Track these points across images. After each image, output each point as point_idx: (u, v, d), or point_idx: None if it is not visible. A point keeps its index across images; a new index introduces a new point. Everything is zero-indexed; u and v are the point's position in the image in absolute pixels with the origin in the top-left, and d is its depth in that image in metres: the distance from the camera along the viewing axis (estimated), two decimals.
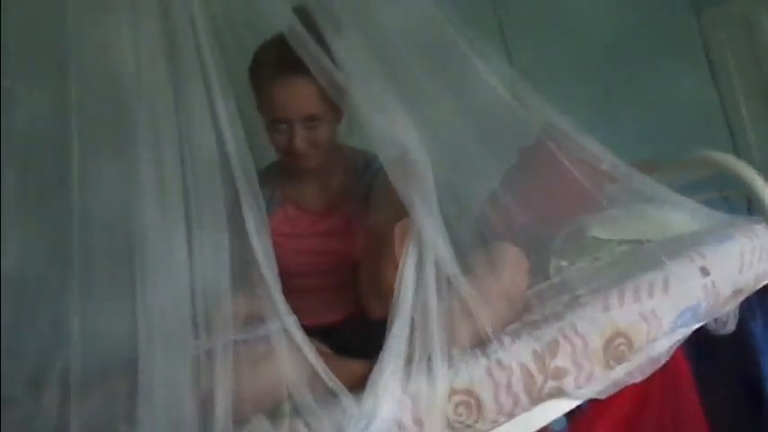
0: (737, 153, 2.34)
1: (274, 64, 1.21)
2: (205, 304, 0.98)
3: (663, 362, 1.14)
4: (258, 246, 1.05)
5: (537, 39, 2.21)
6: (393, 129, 1.08)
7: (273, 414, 0.99)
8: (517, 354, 1.04)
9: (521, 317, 1.14)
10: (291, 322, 1.05)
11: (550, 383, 1.04)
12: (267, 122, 1.26)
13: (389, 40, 1.17)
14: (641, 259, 1.23)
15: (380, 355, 1.01)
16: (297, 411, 0.98)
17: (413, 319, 1.04)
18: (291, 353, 1.02)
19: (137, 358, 0.93)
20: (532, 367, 1.04)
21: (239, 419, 0.97)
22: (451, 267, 1.06)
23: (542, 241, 1.41)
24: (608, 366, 1.08)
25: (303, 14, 1.12)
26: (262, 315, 1.05)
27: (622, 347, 1.08)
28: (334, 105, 1.23)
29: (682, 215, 1.35)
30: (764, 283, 1.29)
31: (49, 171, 1.07)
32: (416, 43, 1.19)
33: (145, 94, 1.01)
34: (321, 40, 1.11)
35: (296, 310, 1.07)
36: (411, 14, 1.21)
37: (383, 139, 1.09)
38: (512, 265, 1.15)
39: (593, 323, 1.09)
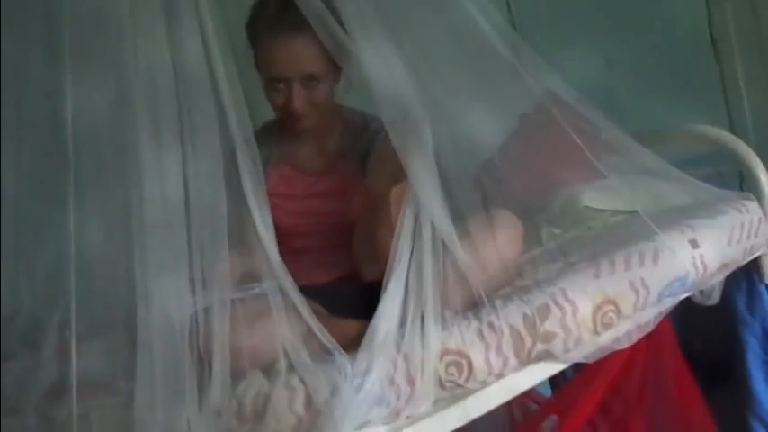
0: (732, 127, 2.35)
1: (274, 20, 1.20)
2: (202, 262, 0.99)
3: (650, 330, 1.16)
4: (254, 205, 1.05)
5: (543, 6, 2.19)
6: (396, 89, 1.07)
7: (269, 370, 1.01)
8: (508, 316, 1.06)
9: (513, 281, 1.16)
10: (287, 282, 1.06)
11: (539, 346, 1.07)
12: (265, 80, 1.25)
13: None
14: (633, 230, 1.24)
15: (375, 316, 1.03)
16: (292, 368, 1.00)
17: (407, 281, 1.05)
18: (287, 311, 1.03)
19: (134, 312, 0.94)
20: (522, 330, 1.06)
21: (236, 374, 0.98)
22: (447, 231, 1.07)
23: (537, 208, 1.43)
24: (596, 332, 1.10)
25: None
26: (258, 274, 1.06)
27: (611, 314, 1.11)
28: (334, 65, 1.22)
29: (675, 188, 1.37)
30: (752, 257, 1.31)
31: (40, 97, 1.06)
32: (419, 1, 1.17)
33: (141, 48, 0.99)
34: None
35: (291, 270, 1.08)
36: None
37: (386, 100, 1.08)
38: (507, 230, 1.17)
39: (583, 289, 1.11)
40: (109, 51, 1.00)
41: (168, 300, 0.96)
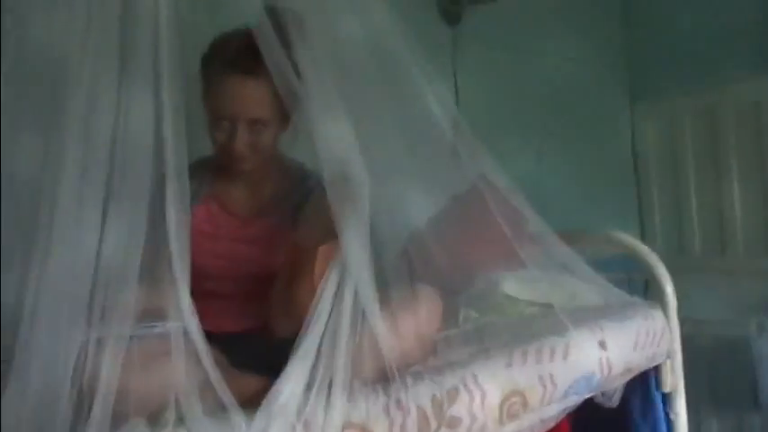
0: (643, 234, 2.51)
1: (231, 59, 1.18)
2: (106, 290, 0.92)
3: (551, 425, 1.17)
4: (175, 239, 1.00)
5: (486, 89, 2.29)
6: (341, 148, 1.07)
7: (155, 420, 0.93)
8: (417, 396, 1.04)
9: (427, 359, 1.15)
10: (193, 325, 0.99)
11: (443, 430, 1.05)
12: (211, 116, 1.22)
13: (347, 53, 1.16)
14: (548, 323, 1.27)
15: (281, 376, 0.98)
16: (181, 421, 0.93)
17: (320, 344, 1.02)
18: (187, 357, 0.96)
19: (17, 331, 0.85)
20: (429, 411, 1.04)
21: (118, 418, 0.90)
22: (370, 299, 1.05)
23: (455, 289, 1.44)
24: (501, 422, 1.10)
25: (274, 14, 1.10)
26: (163, 312, 0.99)
27: (517, 406, 1.11)
28: (283, 112, 1.21)
29: (590, 288, 1.42)
30: (653, 364, 1.37)
31: None
32: (372, 61, 1.19)
33: (88, 64, 0.95)
34: (286, 44, 1.09)
35: (199, 313, 1.02)
36: (370, 31, 1.20)
37: (329, 156, 1.07)
38: (428, 306, 1.16)
39: (494, 377, 1.11)
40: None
41: (59, 322, 0.88)
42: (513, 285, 1.46)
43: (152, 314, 0.98)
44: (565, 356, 1.18)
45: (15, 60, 0.93)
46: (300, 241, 1.16)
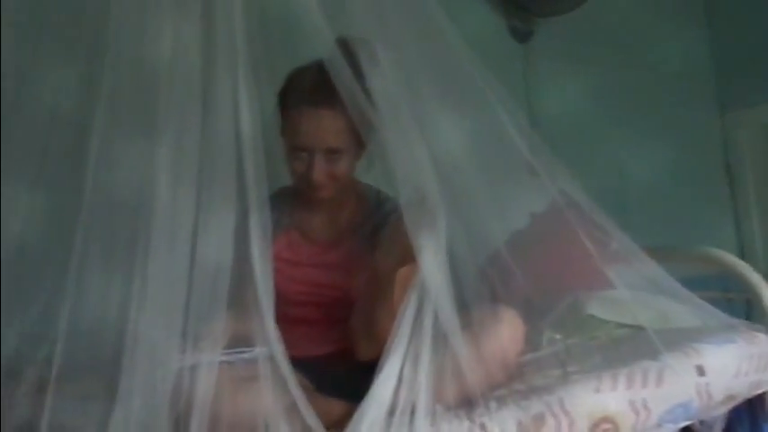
0: (742, 251, 2.35)
1: (307, 91, 1.22)
2: (197, 319, 0.96)
3: None
4: (259, 269, 1.03)
5: (561, 103, 2.23)
6: (415, 170, 1.08)
7: None
8: (502, 421, 1.02)
9: (511, 383, 1.12)
10: (279, 351, 1.02)
11: None
12: (288, 147, 1.26)
13: (419, 78, 1.17)
14: (638, 346, 1.21)
15: (364, 401, 0.98)
16: None
17: (402, 368, 1.01)
18: (274, 383, 0.99)
19: (119, 360, 0.91)
20: None
21: None
22: (450, 322, 1.04)
23: (539, 310, 1.40)
24: None
25: (345, 45, 1.13)
26: (250, 339, 1.02)
27: None
28: (358, 140, 1.23)
29: (684, 308, 1.34)
30: (758, 392, 1.27)
31: (67, 149, 1.07)
32: (444, 84, 1.19)
33: (176, 92, 1.01)
34: (359, 74, 1.11)
35: (284, 338, 1.05)
36: (441, 54, 1.21)
37: (405, 179, 1.08)
38: (510, 328, 1.14)
39: (582, 403, 1.07)
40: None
41: (156, 352, 0.93)
42: (599, 306, 1.40)
43: (240, 341, 1.02)
44: (659, 382, 1.12)
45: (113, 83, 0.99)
46: (379, 265, 1.17)
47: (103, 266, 0.97)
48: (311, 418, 0.98)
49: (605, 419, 1.06)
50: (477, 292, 1.16)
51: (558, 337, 1.36)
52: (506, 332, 1.12)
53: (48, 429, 0.88)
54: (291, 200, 1.35)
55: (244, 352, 1.00)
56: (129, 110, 1.04)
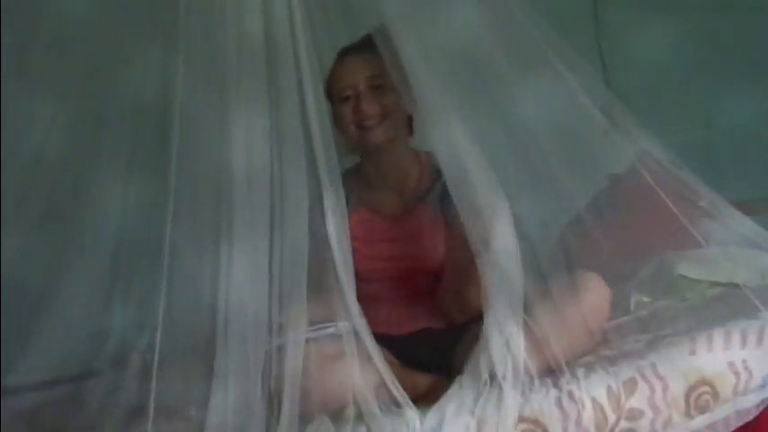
0: None
1: (346, 49, 1.28)
2: (280, 302, 1.00)
3: (751, 417, 1.06)
4: (337, 246, 1.06)
5: (637, 63, 2.13)
6: (456, 154, 1.07)
7: (337, 416, 1.00)
8: (590, 388, 1.00)
9: (597, 350, 1.10)
10: (363, 327, 1.05)
11: (623, 424, 1.00)
12: (337, 102, 1.28)
13: (480, 44, 1.15)
14: (734, 305, 1.15)
15: (460, 376, 1.00)
16: (360, 417, 0.98)
17: (492, 340, 1.02)
18: (360, 358, 1.02)
19: (214, 343, 0.96)
20: (605, 404, 1.00)
21: (305, 416, 0.98)
22: (520, 293, 1.03)
23: (624, 273, 1.36)
24: (688, 414, 1.02)
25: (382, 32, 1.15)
26: (332, 316, 1.05)
27: (706, 396, 1.02)
28: (400, 98, 1.23)
29: None
30: None
31: (155, 139, 1.13)
32: (508, 51, 1.17)
33: (243, 92, 1.04)
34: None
35: (368, 316, 1.08)
36: (503, 21, 1.18)
37: (446, 164, 1.08)
38: (594, 294, 1.11)
39: (675, 366, 1.03)
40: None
41: (246, 335, 0.98)
42: (689, 266, 1.34)
43: (326, 319, 1.05)
44: (759, 340, 1.06)
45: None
46: (461, 239, 1.17)
47: (193, 256, 1.03)
48: (398, 392, 1.00)
49: (702, 382, 1.02)
50: (559, 259, 1.14)
51: (646, 299, 1.32)
52: (591, 298, 1.10)
53: (154, 410, 0.95)
54: (356, 178, 1.37)
55: (328, 327, 1.03)
56: (205, 96, 1.07)
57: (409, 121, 1.33)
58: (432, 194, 1.33)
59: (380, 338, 1.09)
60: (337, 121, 1.31)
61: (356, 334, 1.04)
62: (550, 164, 1.21)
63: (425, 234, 1.31)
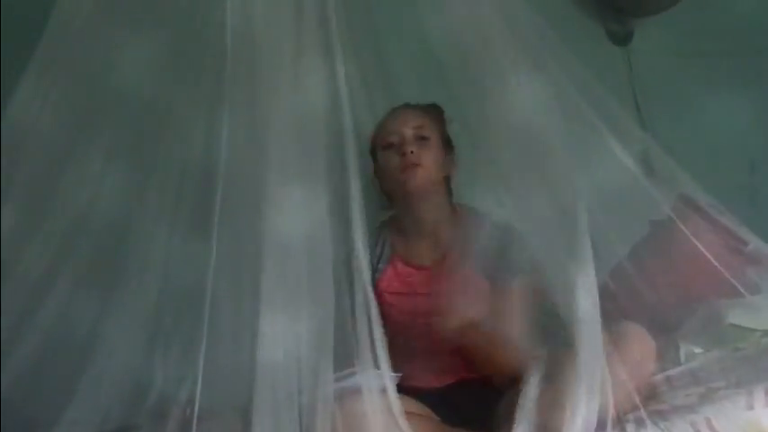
0: None
1: (393, 108, 1.37)
2: (310, 358, 0.98)
3: None
4: (363, 304, 1.03)
5: (672, 101, 2.11)
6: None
7: None
8: None
9: (648, 403, 1.05)
10: (388, 379, 1.01)
11: None
12: (380, 150, 1.33)
13: (523, 111, 1.16)
14: None
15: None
16: None
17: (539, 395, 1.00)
18: (386, 415, 0.99)
19: (252, 400, 0.96)
20: None
21: None
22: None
23: (671, 323, 1.31)
24: None
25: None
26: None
27: None
28: (445, 141, 1.32)
29: None
30: None
31: (200, 195, 1.17)
32: (551, 111, 1.17)
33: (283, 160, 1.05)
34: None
35: (405, 371, 1.06)
36: (548, 82, 1.19)
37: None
38: (638, 346, 1.08)
39: (732, 421, 0.98)
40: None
41: (278, 396, 0.96)
42: (741, 314, 1.28)
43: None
44: None
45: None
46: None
47: (234, 311, 1.03)
48: None
49: None
50: (602, 311, 1.11)
51: (697, 350, 1.26)
52: (634, 351, 1.06)
53: None
54: (392, 229, 1.38)
55: (349, 376, 1.00)
56: (248, 160, 1.07)
57: (447, 181, 1.37)
58: (471, 248, 1.32)
59: (421, 394, 1.07)
60: (379, 169, 1.35)
61: (382, 390, 1.00)
62: (590, 214, 1.20)
63: (467, 290, 1.29)
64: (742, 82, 2.11)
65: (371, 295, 1.02)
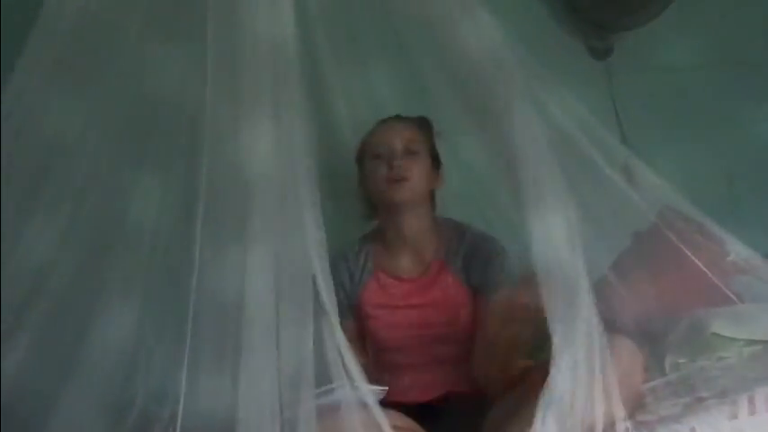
0: None
1: (388, 117, 1.37)
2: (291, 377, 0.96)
3: None
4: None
5: (651, 114, 2.14)
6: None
7: None
8: None
9: (634, 414, 1.05)
10: (367, 393, 0.99)
11: None
12: (368, 159, 1.34)
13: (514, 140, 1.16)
14: None
15: None
16: None
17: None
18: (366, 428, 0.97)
19: (235, 418, 0.94)
20: None
21: None
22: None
23: (656, 334, 1.31)
24: None
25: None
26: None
27: None
28: (432, 155, 1.33)
29: None
30: None
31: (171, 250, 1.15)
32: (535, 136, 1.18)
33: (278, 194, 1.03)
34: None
35: (391, 386, 1.05)
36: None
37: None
38: (625, 358, 1.07)
39: (717, 430, 0.98)
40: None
41: (263, 415, 0.94)
42: (723, 323, 1.29)
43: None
44: None
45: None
46: (504, 303, 1.16)
47: (215, 327, 1.02)
48: None
49: None
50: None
51: (681, 361, 1.26)
52: (624, 364, 1.06)
53: None
54: (374, 242, 1.38)
55: (332, 389, 0.97)
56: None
57: (431, 195, 1.37)
58: (454, 260, 1.33)
59: (403, 407, 1.05)
60: (365, 178, 1.36)
61: (361, 404, 0.97)
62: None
63: (448, 300, 1.30)
64: (721, 95, 2.15)
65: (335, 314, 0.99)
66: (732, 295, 1.15)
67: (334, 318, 0.98)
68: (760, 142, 2.14)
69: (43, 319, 1.21)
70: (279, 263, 0.97)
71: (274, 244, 0.98)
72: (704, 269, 1.14)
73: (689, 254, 1.22)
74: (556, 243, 1.03)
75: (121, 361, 1.23)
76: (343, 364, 0.96)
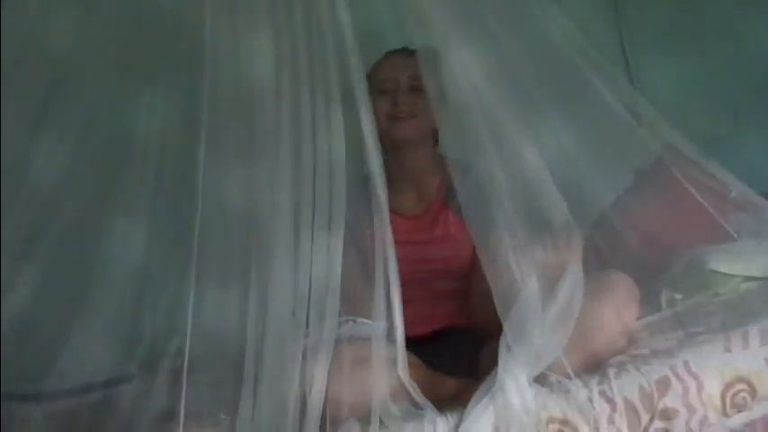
0: None
1: (393, 50, 1.34)
2: (317, 302, 0.99)
3: None
4: (383, 244, 1.04)
5: (661, 57, 2.09)
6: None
7: (365, 421, 0.99)
8: (622, 387, 0.98)
9: (628, 349, 1.07)
10: (401, 331, 1.03)
11: (657, 423, 0.97)
12: (375, 94, 1.27)
13: (509, 59, 1.14)
14: None
15: (492, 377, 0.98)
16: (383, 422, 0.97)
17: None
18: (387, 363, 1.01)
19: (243, 349, 0.96)
20: (638, 404, 0.97)
21: (335, 420, 0.97)
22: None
23: (654, 270, 1.33)
24: (725, 413, 0.99)
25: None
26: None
27: (743, 394, 0.99)
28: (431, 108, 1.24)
29: None
30: None
31: (176, 170, 1.14)
32: (536, 61, 1.16)
33: (283, 106, 1.03)
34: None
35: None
36: (531, 34, 1.18)
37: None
38: (622, 293, 1.09)
39: (710, 364, 1.00)
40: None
41: (278, 339, 0.97)
42: (721, 260, 1.30)
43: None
44: None
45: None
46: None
47: (223, 260, 1.03)
48: (420, 398, 0.99)
49: (739, 380, 0.99)
50: (586, 259, 1.12)
51: (678, 296, 1.28)
52: (620, 297, 1.07)
53: (184, 415, 0.95)
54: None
55: (363, 323, 1.01)
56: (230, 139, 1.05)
57: (434, 133, 1.34)
58: (454, 199, 1.32)
59: (406, 342, 1.08)
60: (374, 109, 1.31)
61: (388, 336, 1.02)
62: (575, 163, 1.20)
63: (449, 237, 1.30)
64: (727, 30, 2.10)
65: (390, 239, 1.01)
66: (733, 232, 1.15)
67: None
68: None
69: (52, 246, 1.22)
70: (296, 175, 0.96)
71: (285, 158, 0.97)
72: (706, 205, 1.13)
73: (691, 189, 1.22)
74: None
75: (130, 292, 1.25)
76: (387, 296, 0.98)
